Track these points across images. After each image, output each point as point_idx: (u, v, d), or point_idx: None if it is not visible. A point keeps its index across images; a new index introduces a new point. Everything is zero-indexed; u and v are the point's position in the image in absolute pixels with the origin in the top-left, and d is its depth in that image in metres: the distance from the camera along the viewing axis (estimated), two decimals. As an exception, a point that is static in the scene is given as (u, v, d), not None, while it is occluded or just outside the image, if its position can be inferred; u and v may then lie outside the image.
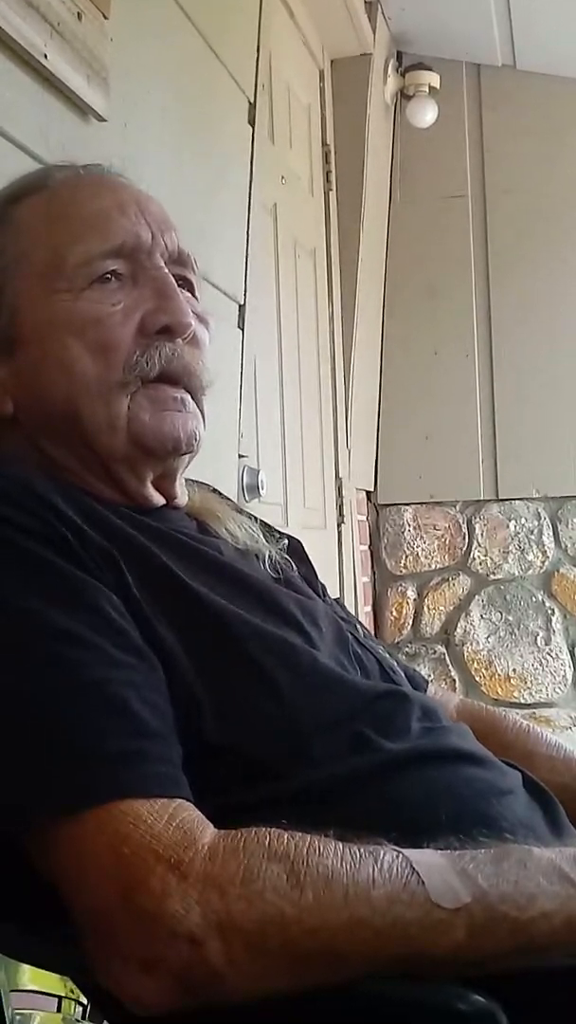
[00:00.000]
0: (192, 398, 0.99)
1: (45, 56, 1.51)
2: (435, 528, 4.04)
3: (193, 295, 1.02)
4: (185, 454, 0.99)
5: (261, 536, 1.10)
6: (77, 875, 0.73)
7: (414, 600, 4.04)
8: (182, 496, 1.05)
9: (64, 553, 0.82)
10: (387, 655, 1.08)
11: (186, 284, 1.01)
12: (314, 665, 0.90)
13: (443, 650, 4.00)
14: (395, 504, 4.06)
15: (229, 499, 1.19)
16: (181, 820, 0.73)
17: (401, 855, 0.73)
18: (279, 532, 1.16)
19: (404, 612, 4.04)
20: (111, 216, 0.97)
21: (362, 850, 0.73)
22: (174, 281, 0.98)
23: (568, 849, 0.78)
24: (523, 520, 3.97)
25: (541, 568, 3.96)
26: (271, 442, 2.89)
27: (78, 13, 1.58)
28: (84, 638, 0.78)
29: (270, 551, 1.08)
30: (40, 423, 0.97)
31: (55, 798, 0.73)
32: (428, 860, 0.73)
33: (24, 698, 0.76)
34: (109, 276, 0.96)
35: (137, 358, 0.95)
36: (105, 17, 1.68)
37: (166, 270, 0.98)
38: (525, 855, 0.75)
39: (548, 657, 3.93)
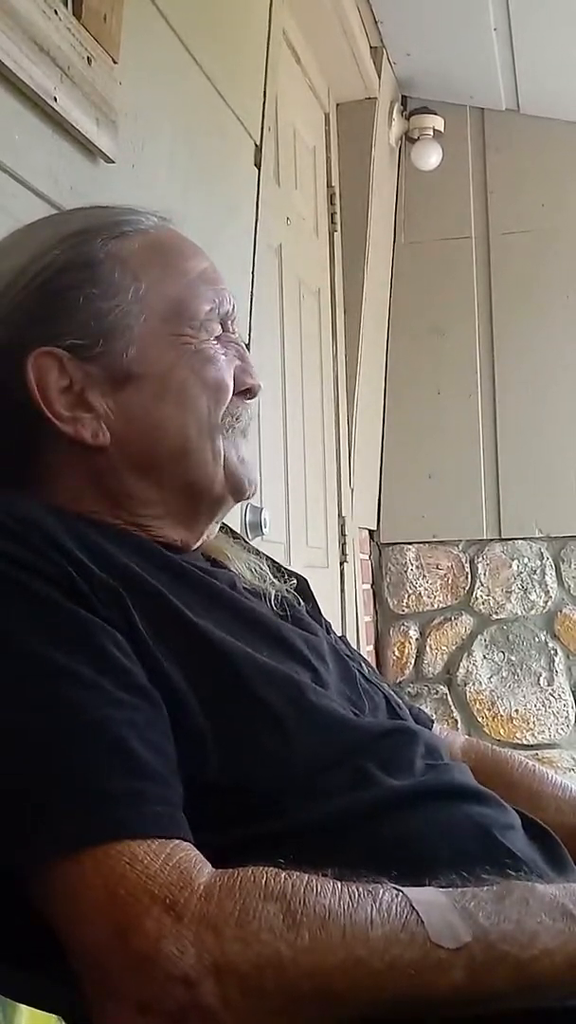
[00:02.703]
0: None
1: (55, 99, 1.53)
2: (438, 567, 4.04)
3: None
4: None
5: (269, 573, 1.10)
6: (72, 915, 0.73)
7: (416, 640, 4.04)
8: None
9: (69, 592, 0.82)
10: (393, 692, 1.08)
11: None
12: (320, 701, 0.90)
13: (445, 690, 3.99)
14: (398, 543, 4.06)
15: (238, 535, 1.19)
16: (178, 860, 0.72)
17: (400, 894, 0.72)
18: (287, 570, 1.16)
19: (406, 652, 4.03)
20: (213, 279, 1.04)
21: (360, 889, 0.72)
22: None
23: (572, 885, 0.77)
24: (526, 560, 3.97)
25: (544, 608, 3.95)
26: (274, 480, 2.90)
27: (88, 58, 1.60)
28: (85, 678, 0.78)
29: (277, 588, 1.08)
30: (135, 455, 0.98)
31: (52, 837, 0.73)
32: (428, 899, 0.72)
33: (24, 737, 0.76)
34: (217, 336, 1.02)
35: (234, 410, 1.01)
36: (115, 61, 1.70)
37: (238, 336, 1.06)
38: (527, 892, 0.75)
39: (551, 698, 3.91)
